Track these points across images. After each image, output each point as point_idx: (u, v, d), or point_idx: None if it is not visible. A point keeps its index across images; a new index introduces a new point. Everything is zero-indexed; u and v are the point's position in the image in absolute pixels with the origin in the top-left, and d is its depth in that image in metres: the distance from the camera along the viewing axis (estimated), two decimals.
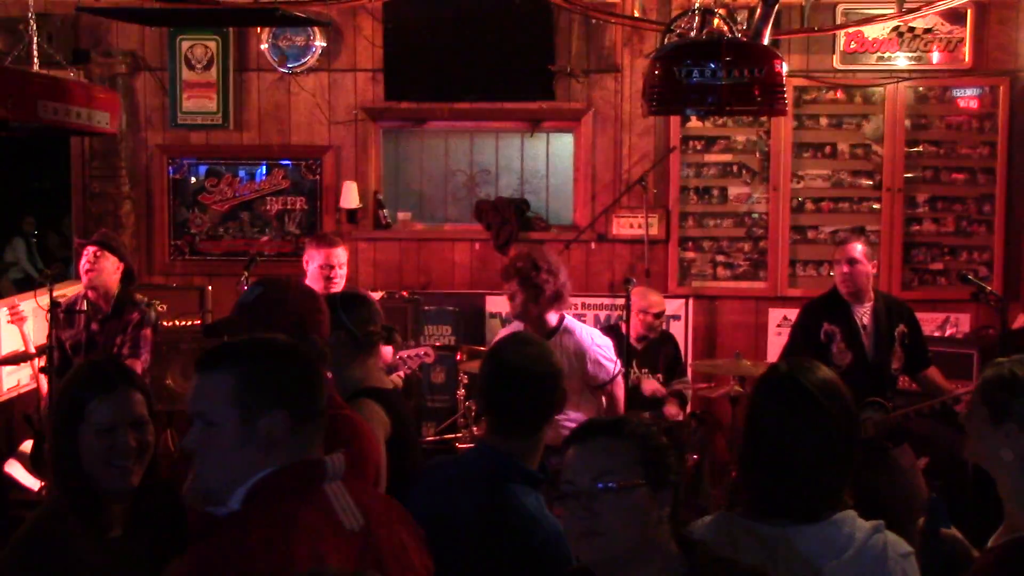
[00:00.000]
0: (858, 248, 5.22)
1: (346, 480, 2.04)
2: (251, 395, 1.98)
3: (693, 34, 4.46)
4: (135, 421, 2.48)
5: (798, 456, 2.18)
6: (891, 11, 6.26)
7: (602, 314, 6.85)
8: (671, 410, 5.79)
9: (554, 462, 4.80)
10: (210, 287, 6.92)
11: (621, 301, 6.00)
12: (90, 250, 5.45)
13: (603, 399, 4.85)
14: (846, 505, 2.21)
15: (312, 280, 5.17)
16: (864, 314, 5.22)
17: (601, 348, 4.79)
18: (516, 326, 4.94)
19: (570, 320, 4.85)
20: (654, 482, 1.97)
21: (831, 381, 2.27)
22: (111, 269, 5.47)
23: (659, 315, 5.92)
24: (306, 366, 2.07)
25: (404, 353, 5.07)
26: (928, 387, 5.33)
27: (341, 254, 5.32)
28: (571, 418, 4.68)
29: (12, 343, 6.00)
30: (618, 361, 4.86)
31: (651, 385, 5.85)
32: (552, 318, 4.76)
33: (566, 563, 2.53)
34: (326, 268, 5.23)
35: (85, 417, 2.45)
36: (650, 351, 5.94)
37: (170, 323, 6.51)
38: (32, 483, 5.79)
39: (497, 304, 6.99)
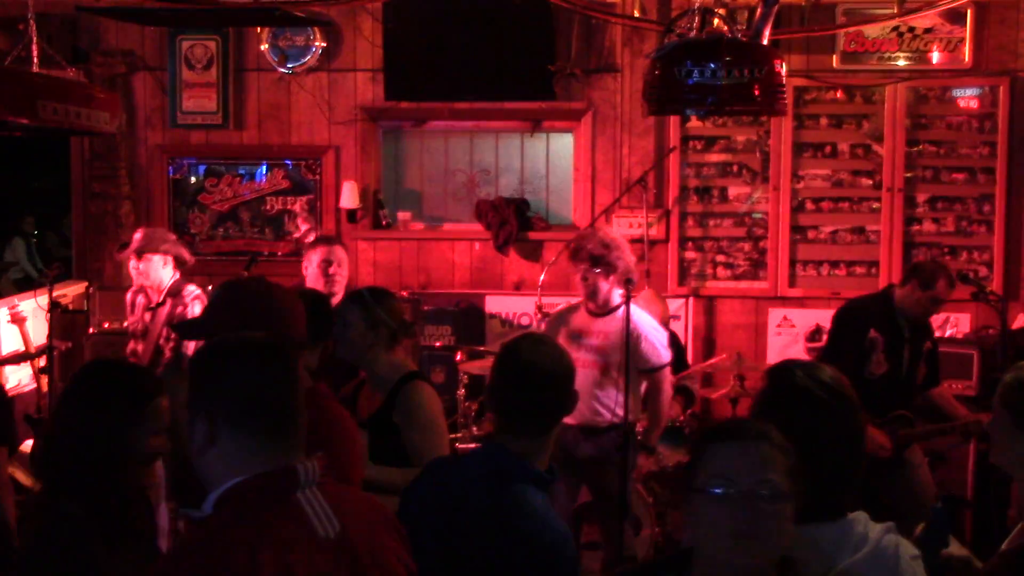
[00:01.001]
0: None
1: (323, 484, 1.99)
2: (193, 399, 1.97)
3: (693, 34, 4.45)
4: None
5: (814, 456, 2.18)
6: (891, 11, 6.26)
7: None
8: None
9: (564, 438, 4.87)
10: (210, 287, 6.91)
11: None
12: (132, 260, 5.47)
13: (643, 385, 4.95)
14: (857, 505, 2.21)
15: (312, 282, 5.15)
16: (906, 326, 5.15)
17: (657, 332, 4.91)
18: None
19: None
20: (794, 495, 1.93)
21: (839, 381, 2.28)
22: (159, 267, 5.44)
23: None
24: (253, 372, 1.98)
25: None
26: (937, 405, 5.31)
27: (339, 251, 5.30)
28: (608, 395, 4.76)
29: (12, 343, 6.00)
30: (670, 354, 5.00)
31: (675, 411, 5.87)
32: (616, 297, 4.86)
33: (573, 565, 2.52)
34: (324, 265, 5.19)
35: (145, 419, 2.53)
36: None
37: None
38: (32, 484, 5.78)
39: (497, 304, 7.00)
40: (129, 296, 5.63)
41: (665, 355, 4.91)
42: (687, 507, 1.97)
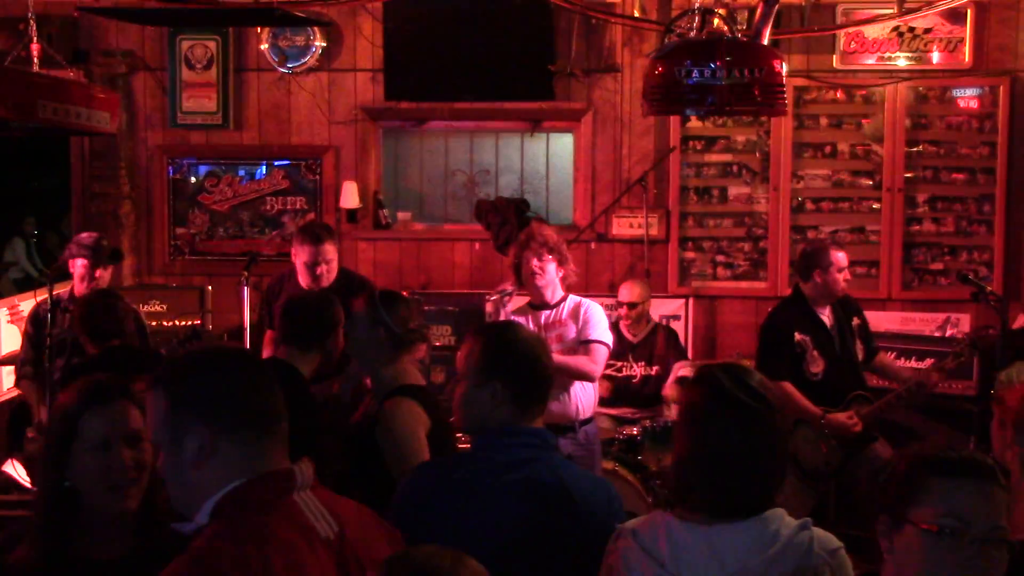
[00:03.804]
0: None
1: (314, 488, 1.99)
2: (176, 413, 1.93)
3: (693, 34, 4.45)
4: (130, 436, 2.34)
5: (734, 458, 2.20)
6: (891, 11, 6.26)
7: None
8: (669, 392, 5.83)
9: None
10: (210, 287, 6.92)
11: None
12: (81, 263, 5.30)
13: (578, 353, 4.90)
14: (774, 504, 2.23)
15: (300, 276, 5.09)
16: (825, 314, 5.27)
17: (595, 310, 4.91)
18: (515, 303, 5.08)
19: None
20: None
21: (763, 384, 2.30)
22: (106, 276, 5.38)
23: (633, 305, 5.97)
24: (237, 377, 1.97)
25: None
26: (887, 372, 5.51)
27: (327, 251, 5.11)
28: (572, 391, 4.80)
29: (12, 343, 6.00)
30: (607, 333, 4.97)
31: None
32: (559, 290, 4.97)
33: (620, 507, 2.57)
34: (311, 266, 5.08)
35: (79, 433, 2.31)
36: (643, 343, 6.01)
37: (170, 323, 6.50)
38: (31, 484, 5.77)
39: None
40: (40, 312, 5.21)
41: (607, 337, 4.87)
42: (890, 535, 1.90)
